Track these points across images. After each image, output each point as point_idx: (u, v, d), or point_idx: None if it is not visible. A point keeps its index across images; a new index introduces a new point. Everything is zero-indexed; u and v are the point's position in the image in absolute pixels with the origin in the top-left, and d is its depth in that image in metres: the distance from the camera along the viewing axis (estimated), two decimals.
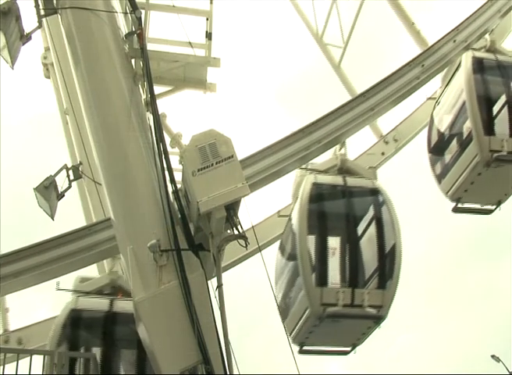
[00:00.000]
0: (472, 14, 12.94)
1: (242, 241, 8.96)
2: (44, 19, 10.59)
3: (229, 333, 8.73)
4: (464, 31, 12.77)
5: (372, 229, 11.45)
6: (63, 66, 13.85)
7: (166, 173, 9.05)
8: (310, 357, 12.00)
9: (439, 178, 13.05)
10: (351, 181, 11.80)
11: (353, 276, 11.04)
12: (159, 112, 9.35)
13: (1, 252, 10.30)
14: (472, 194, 12.57)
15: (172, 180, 9.15)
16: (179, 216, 9.08)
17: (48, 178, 11.84)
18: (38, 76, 16.39)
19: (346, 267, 11.07)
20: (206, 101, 12.00)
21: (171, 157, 9.21)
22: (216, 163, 8.92)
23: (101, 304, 10.16)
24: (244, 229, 9.09)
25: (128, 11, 9.89)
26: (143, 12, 9.94)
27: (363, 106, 11.78)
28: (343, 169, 12.01)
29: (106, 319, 10.03)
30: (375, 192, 11.83)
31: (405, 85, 12.11)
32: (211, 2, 10.72)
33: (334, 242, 11.33)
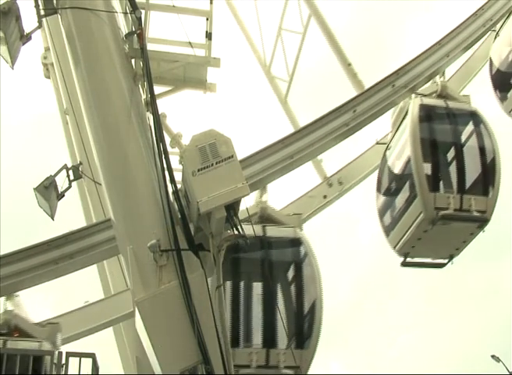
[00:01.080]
0: (416, 57, 11.99)
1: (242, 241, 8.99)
2: (44, 19, 10.59)
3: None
4: (405, 76, 11.85)
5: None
6: (63, 66, 13.86)
7: (166, 173, 9.05)
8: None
9: (387, 231, 12.48)
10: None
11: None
12: (159, 112, 9.35)
13: (1, 253, 10.29)
14: (420, 249, 12.15)
15: (172, 180, 9.15)
16: (179, 216, 9.08)
17: (48, 178, 11.84)
18: (38, 76, 16.41)
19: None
20: (206, 101, 11.99)
21: (171, 157, 9.22)
22: (216, 163, 8.91)
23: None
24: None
25: (128, 11, 9.89)
26: (143, 12, 9.94)
27: (281, 153, 10.98)
28: (264, 218, 11.51)
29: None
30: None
31: (332, 132, 11.29)
32: (211, 2, 10.72)
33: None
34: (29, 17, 10.15)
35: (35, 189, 11.64)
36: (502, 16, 12.81)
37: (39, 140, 29.55)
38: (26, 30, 10.06)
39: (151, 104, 9.38)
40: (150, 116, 9.44)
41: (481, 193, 11.66)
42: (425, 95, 12.21)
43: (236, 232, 8.96)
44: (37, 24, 10.20)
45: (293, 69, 14.88)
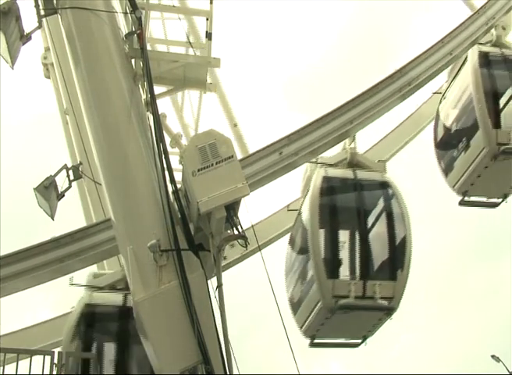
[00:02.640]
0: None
1: (242, 241, 8.98)
2: (44, 19, 10.59)
3: (229, 333, 8.74)
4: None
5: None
6: (63, 66, 13.85)
7: (166, 173, 9.06)
8: (312, 357, 12.01)
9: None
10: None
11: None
12: (159, 112, 9.36)
13: (1, 253, 10.28)
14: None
15: (172, 180, 9.15)
16: (179, 216, 9.08)
17: (47, 178, 11.82)
18: (38, 76, 16.40)
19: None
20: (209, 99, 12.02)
21: (171, 157, 9.22)
22: (216, 163, 8.91)
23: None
24: (245, 228, 9.12)
25: (128, 11, 9.88)
26: (143, 12, 9.93)
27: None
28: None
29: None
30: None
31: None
32: (211, 2, 10.71)
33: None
34: (29, 17, 10.17)
35: (35, 189, 11.63)
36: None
37: (39, 140, 29.57)
38: (26, 30, 10.07)
39: (151, 104, 9.39)
40: (150, 116, 9.44)
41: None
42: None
43: (236, 232, 8.99)
44: (37, 24, 10.20)
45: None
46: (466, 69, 12.63)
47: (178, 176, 9.33)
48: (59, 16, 9.86)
